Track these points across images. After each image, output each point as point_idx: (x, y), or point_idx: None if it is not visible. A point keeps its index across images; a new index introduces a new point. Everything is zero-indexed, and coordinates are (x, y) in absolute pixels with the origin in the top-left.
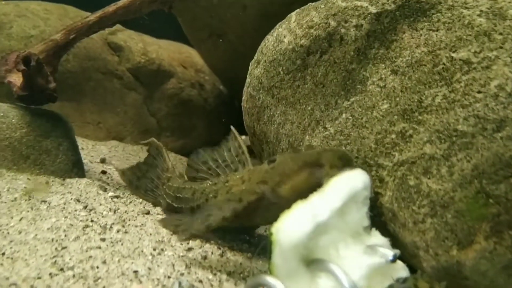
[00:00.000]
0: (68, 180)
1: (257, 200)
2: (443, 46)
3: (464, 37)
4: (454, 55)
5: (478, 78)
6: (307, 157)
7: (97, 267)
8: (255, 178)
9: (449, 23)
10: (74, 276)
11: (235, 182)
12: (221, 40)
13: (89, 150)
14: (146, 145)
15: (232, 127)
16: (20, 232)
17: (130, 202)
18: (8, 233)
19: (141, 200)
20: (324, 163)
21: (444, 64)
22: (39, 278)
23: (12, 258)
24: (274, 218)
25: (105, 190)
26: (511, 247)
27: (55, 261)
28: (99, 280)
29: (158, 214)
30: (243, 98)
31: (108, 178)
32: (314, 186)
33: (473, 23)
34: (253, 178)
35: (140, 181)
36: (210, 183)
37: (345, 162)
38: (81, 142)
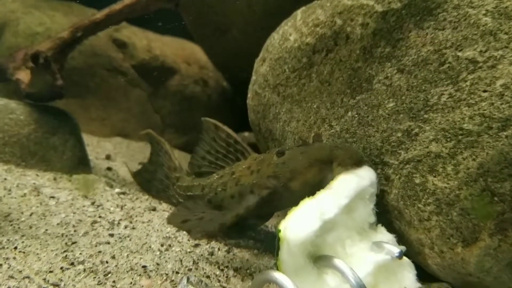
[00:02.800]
0: (75, 176)
1: (268, 194)
2: (449, 45)
3: (470, 36)
4: (460, 54)
5: (484, 77)
6: (319, 153)
7: (107, 262)
8: (265, 171)
9: (455, 22)
10: (84, 270)
11: (243, 172)
12: (224, 37)
13: (94, 146)
14: (144, 136)
15: (206, 119)
16: (30, 227)
17: (137, 198)
18: (19, 227)
19: (147, 196)
20: (334, 160)
21: (450, 63)
22: (51, 271)
23: (24, 252)
24: (284, 207)
25: (111, 186)
26: None
27: (66, 255)
28: (109, 275)
29: (164, 210)
30: (249, 95)
31: (114, 174)
32: (325, 182)
33: (479, 23)
34: (262, 170)
35: (151, 182)
36: (216, 176)
37: (356, 161)
38: (86, 138)
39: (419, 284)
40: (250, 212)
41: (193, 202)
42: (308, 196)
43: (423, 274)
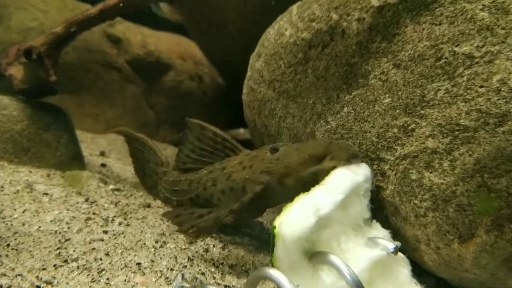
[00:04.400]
0: (68, 172)
1: (262, 190)
2: (445, 40)
3: (467, 31)
4: (456, 49)
5: (481, 73)
6: (314, 149)
7: (101, 259)
8: (258, 166)
9: (451, 17)
10: (78, 267)
11: (234, 168)
12: (220, 33)
13: (88, 143)
14: (118, 134)
15: (190, 119)
16: (23, 224)
17: (131, 195)
18: (12, 225)
19: (141, 193)
20: (328, 155)
21: (446, 58)
22: (44, 269)
23: (17, 250)
24: (277, 204)
25: (105, 183)
26: (511, 241)
27: (59, 252)
28: (103, 272)
29: (158, 207)
30: (244, 91)
31: (108, 171)
32: (319, 178)
33: (476, 18)
34: (255, 166)
35: (145, 178)
36: (205, 171)
37: (350, 156)
38: (80, 134)
39: (414, 280)
40: (244, 208)
41: (185, 205)
42: (302, 192)
43: (418, 270)
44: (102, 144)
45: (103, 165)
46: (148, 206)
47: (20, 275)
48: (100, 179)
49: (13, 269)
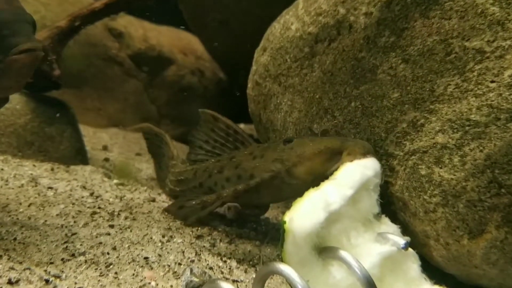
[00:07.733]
0: (72, 167)
1: (271, 177)
2: (455, 35)
3: (477, 26)
4: (467, 44)
5: (492, 68)
6: (330, 142)
7: (108, 253)
8: (270, 155)
9: (461, 11)
10: (86, 261)
11: (244, 157)
12: (222, 27)
13: (91, 137)
14: (138, 130)
15: (204, 110)
16: (29, 218)
17: (135, 189)
18: (18, 218)
19: (145, 187)
20: (344, 150)
21: (456, 53)
22: (51, 263)
23: (24, 244)
24: (284, 197)
25: (109, 177)
26: None
27: (66, 246)
28: (111, 266)
29: (163, 201)
30: (249, 85)
31: (111, 165)
32: (330, 172)
33: (486, 12)
34: (267, 155)
35: (161, 171)
36: (213, 160)
37: (366, 152)
38: (82, 129)
39: (424, 275)
40: (248, 191)
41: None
42: (311, 187)
43: (427, 266)
44: (104, 138)
45: (106, 159)
46: (153, 200)
47: (28, 268)
48: (104, 173)
49: (21, 262)
